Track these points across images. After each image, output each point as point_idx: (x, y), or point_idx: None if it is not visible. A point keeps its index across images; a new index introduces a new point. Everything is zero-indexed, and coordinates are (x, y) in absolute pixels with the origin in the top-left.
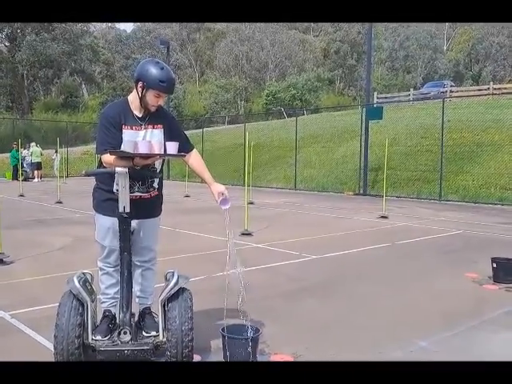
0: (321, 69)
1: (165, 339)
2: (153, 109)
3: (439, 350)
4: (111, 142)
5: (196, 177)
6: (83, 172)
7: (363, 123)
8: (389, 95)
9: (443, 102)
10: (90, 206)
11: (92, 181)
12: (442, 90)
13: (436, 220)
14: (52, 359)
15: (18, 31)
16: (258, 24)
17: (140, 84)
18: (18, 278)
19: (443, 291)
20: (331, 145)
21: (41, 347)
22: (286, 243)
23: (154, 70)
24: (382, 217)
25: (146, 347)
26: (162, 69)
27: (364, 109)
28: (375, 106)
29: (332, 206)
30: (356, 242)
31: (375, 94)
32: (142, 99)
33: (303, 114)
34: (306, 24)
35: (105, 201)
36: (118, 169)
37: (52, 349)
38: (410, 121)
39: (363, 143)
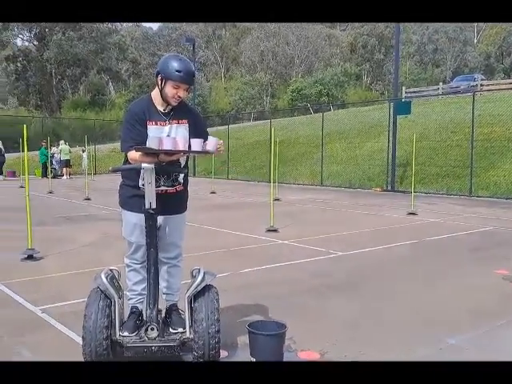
0: (348, 63)
1: (191, 336)
2: (173, 101)
3: (468, 347)
4: (136, 139)
5: (222, 173)
6: (110, 168)
7: (391, 118)
8: (417, 89)
9: (473, 95)
10: (117, 202)
11: (119, 178)
12: (472, 83)
13: (466, 216)
14: (81, 355)
15: (46, 30)
16: None
17: (159, 77)
18: (47, 274)
19: (473, 288)
20: (358, 140)
21: (72, 342)
22: (313, 240)
23: (171, 62)
24: (411, 213)
25: (172, 343)
26: (180, 60)
27: (392, 103)
28: (403, 100)
29: (359, 202)
30: (384, 239)
31: (403, 88)
32: (161, 92)
33: (330, 110)
34: None
35: (131, 197)
36: (144, 164)
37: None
38: (439, 115)
39: (391, 138)
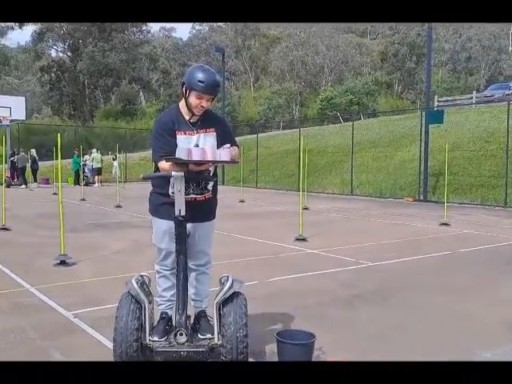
0: (378, 72)
1: (220, 342)
2: (196, 111)
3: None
4: (166, 149)
5: (250, 182)
6: (141, 176)
7: (423, 127)
8: (450, 98)
9: (508, 104)
10: (147, 210)
11: (149, 186)
12: (507, 92)
13: (501, 228)
14: (112, 359)
15: (80, 42)
16: (313, 28)
17: (184, 87)
18: (79, 279)
19: (508, 301)
20: (389, 149)
21: (102, 347)
22: (342, 249)
23: (195, 72)
24: (443, 224)
25: (201, 349)
26: (204, 71)
27: (424, 112)
28: (436, 109)
29: (390, 212)
30: (415, 250)
31: (436, 97)
32: (186, 101)
33: (360, 119)
34: (362, 27)
35: (161, 205)
36: (173, 173)
37: (111, 349)
38: (472, 124)
39: (423, 148)
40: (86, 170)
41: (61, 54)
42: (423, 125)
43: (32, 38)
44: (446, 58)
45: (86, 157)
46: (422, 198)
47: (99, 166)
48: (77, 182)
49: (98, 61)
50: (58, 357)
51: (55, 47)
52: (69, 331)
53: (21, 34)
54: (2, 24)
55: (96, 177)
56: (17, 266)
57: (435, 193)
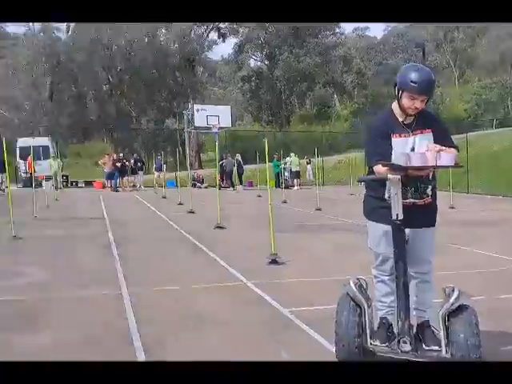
0: None
1: (448, 355)
2: (410, 112)
3: None
4: (381, 153)
5: (463, 186)
6: (357, 179)
7: None
8: None
9: None
10: (348, 213)
11: (345, 189)
12: None
13: None
14: (331, 358)
15: (276, 50)
16: None
17: (396, 88)
18: (289, 278)
19: None
20: None
21: (320, 346)
22: None
23: (407, 73)
24: None
25: (427, 360)
26: (417, 70)
27: None
28: None
29: None
30: None
31: None
32: (399, 103)
33: None
34: None
35: (376, 208)
36: (390, 175)
37: (329, 348)
38: None
39: None
40: (285, 174)
41: (259, 63)
42: None
43: (233, 50)
44: None
45: (287, 159)
46: None
47: (297, 169)
48: (277, 185)
49: (293, 67)
50: (283, 354)
51: (254, 57)
52: (286, 327)
53: (223, 47)
54: (209, 38)
55: (295, 180)
56: (234, 261)
57: None
